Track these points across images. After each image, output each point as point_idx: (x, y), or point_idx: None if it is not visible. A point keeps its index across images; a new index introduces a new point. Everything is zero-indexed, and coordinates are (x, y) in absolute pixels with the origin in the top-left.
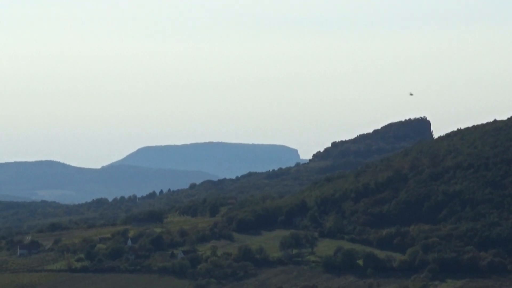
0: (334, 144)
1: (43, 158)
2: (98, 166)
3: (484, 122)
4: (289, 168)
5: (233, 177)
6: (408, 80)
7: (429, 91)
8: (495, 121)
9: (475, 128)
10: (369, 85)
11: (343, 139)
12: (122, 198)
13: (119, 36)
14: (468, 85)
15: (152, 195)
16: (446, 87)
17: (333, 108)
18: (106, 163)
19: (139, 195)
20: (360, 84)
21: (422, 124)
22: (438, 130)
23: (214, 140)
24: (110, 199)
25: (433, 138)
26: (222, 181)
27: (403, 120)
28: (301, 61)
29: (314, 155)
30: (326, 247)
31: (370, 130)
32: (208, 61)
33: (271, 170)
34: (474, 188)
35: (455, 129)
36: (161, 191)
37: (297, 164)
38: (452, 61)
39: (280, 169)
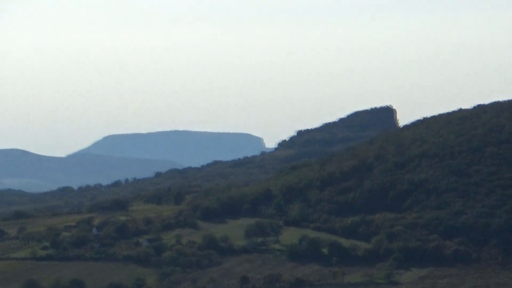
0: (299, 132)
1: (8, 147)
2: (63, 155)
3: (450, 111)
4: (254, 157)
5: (198, 165)
6: (373, 69)
7: (394, 80)
8: (460, 110)
9: (440, 117)
10: (333, 74)
11: (308, 128)
12: (87, 186)
13: (84, 24)
14: (433, 74)
15: (117, 183)
16: (411, 76)
17: (298, 97)
18: (71, 151)
19: (104, 184)
20: (324, 73)
21: (387, 113)
22: (404, 119)
23: (180, 128)
24: (75, 188)
25: (398, 127)
26: (187, 170)
27: (368, 108)
28: (266, 49)
29: (279, 144)
30: (291, 236)
31: (335, 119)
32: (173, 49)
33: (236, 158)
34: (439, 177)
35: (421, 118)
36: (126, 180)
37: (262, 153)
38: (417, 50)
39: (245, 157)
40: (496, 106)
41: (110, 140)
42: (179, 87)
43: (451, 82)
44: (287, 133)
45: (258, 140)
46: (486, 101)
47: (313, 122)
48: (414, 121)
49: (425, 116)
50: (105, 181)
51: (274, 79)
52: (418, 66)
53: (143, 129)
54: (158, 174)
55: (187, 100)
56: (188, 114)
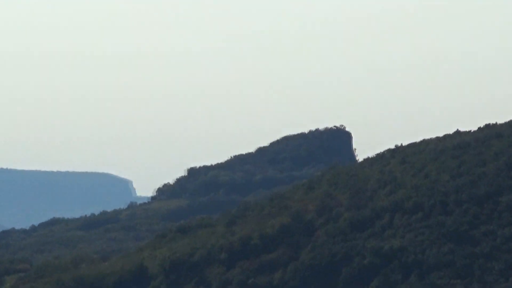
0: (192, 171)
1: None
2: None
3: (440, 135)
4: (118, 211)
5: (26, 226)
6: (313, 73)
7: (348, 89)
8: (458, 132)
9: (425, 144)
10: (247, 81)
11: (207, 164)
12: None
13: None
14: (413, 78)
15: None
16: (370, 82)
17: (189, 117)
18: None
19: None
20: (232, 78)
21: (337, 139)
22: (364, 148)
23: None
24: None
25: (356, 160)
26: (8, 233)
27: (306, 131)
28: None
29: (159, 190)
30: None
31: (252, 149)
32: None
33: (89, 214)
34: (424, 244)
35: (392, 146)
36: None
37: (132, 205)
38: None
39: (104, 212)
40: None
41: None
42: None
43: (441, 90)
44: (172, 173)
45: (125, 184)
46: (499, 119)
47: (216, 156)
48: (382, 151)
49: (398, 144)
50: None
51: (151, 91)
52: (384, 67)
53: None
54: None
55: (6, 127)
56: (8, 146)
